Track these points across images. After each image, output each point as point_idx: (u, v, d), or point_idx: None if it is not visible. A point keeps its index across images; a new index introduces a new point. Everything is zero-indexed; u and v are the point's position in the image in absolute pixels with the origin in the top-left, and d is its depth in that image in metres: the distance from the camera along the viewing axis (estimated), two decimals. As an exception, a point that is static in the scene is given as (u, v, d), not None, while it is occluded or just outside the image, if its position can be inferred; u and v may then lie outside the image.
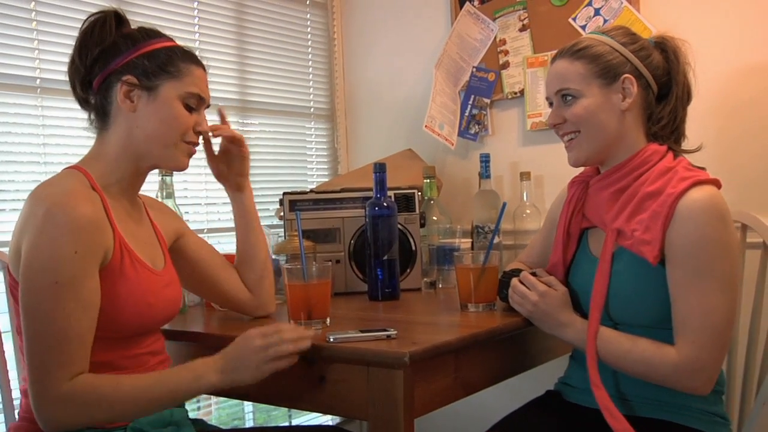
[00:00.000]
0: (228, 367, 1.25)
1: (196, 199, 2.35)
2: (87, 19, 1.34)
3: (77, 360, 1.17)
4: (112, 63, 1.31)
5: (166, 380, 1.23)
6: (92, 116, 1.36)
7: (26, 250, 1.18)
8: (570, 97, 1.40)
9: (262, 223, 2.26)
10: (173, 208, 1.71)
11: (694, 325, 1.27)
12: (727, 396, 1.66)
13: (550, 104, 1.46)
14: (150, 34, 1.36)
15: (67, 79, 1.37)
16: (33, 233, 1.17)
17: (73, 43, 1.35)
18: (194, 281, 1.55)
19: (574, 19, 2.29)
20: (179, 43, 1.40)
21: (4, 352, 1.59)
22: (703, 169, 1.39)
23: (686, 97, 1.43)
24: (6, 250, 1.68)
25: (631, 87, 1.38)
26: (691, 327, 1.27)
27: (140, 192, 1.44)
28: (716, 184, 1.33)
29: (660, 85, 1.41)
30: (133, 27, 1.38)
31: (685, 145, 1.46)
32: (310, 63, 2.81)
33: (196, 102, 1.37)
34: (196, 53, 1.40)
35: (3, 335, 1.61)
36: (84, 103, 1.36)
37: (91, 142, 1.38)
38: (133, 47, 1.32)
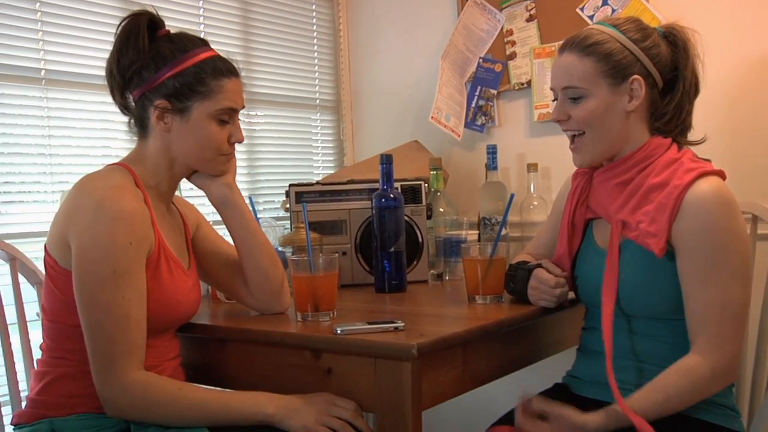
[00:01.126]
0: (290, 406, 1.24)
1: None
2: (121, 23, 1.35)
3: (139, 347, 1.23)
4: (146, 82, 1.34)
5: (227, 399, 1.26)
6: (131, 122, 1.40)
7: (80, 241, 1.22)
8: (576, 96, 1.38)
9: (268, 216, 2.25)
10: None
11: (715, 318, 1.26)
12: (737, 388, 1.66)
13: (555, 95, 1.44)
14: (180, 47, 1.35)
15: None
16: (85, 224, 1.22)
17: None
18: (208, 273, 1.56)
19: (582, 9, 2.27)
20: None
21: (10, 344, 1.59)
22: (708, 160, 1.38)
23: (693, 90, 1.41)
24: (14, 242, 1.70)
25: (639, 89, 1.36)
26: (711, 320, 1.26)
27: None
28: (721, 175, 1.32)
29: (666, 80, 1.39)
30: (167, 29, 1.39)
31: (691, 136, 1.44)
32: (316, 54, 2.80)
33: (229, 115, 1.38)
34: (233, 63, 1.41)
35: (9, 327, 1.61)
36: (124, 108, 1.40)
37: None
38: (163, 67, 1.34)
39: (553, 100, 1.45)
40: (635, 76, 1.35)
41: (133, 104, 1.38)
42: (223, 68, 1.37)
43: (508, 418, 1.44)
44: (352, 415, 1.25)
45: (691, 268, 1.28)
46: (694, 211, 1.27)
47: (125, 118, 1.41)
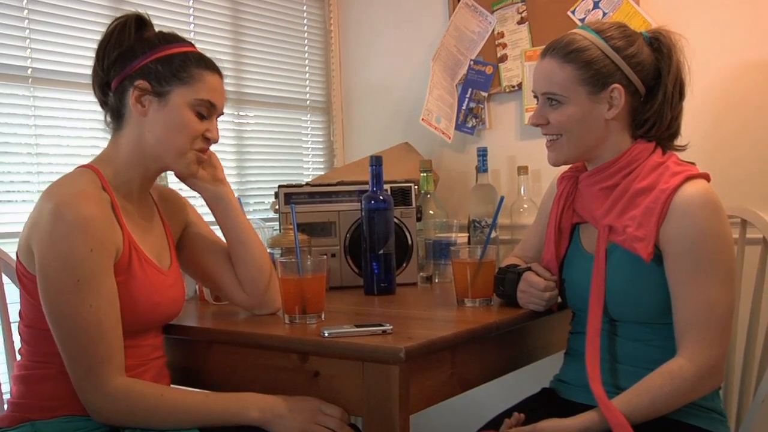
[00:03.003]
0: (275, 411, 1.24)
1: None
2: (112, 22, 1.36)
3: (116, 353, 1.21)
4: (128, 67, 1.33)
5: (212, 403, 1.25)
6: (108, 117, 1.38)
7: (41, 249, 1.21)
8: (555, 102, 1.39)
9: (257, 217, 2.24)
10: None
11: (701, 322, 1.27)
12: (725, 392, 1.66)
13: (536, 97, 1.44)
14: (168, 38, 1.37)
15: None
16: (44, 232, 1.20)
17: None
18: (198, 272, 1.55)
19: (573, 12, 2.27)
20: (187, 46, 1.39)
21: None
22: (692, 164, 1.38)
23: (677, 96, 1.40)
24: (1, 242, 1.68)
25: (618, 97, 1.36)
26: (697, 323, 1.27)
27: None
28: (706, 178, 1.33)
29: (648, 87, 1.39)
30: (154, 29, 1.38)
31: (677, 141, 1.44)
32: (307, 55, 2.79)
33: (207, 109, 1.37)
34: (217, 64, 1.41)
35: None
36: (103, 104, 1.39)
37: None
38: (148, 51, 1.33)
39: (535, 98, 1.45)
40: (615, 85, 1.35)
41: (111, 96, 1.35)
42: (208, 62, 1.38)
43: (495, 423, 1.44)
44: (339, 424, 1.24)
45: (679, 271, 1.29)
46: (681, 215, 1.28)
47: (103, 115, 1.40)
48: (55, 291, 1.19)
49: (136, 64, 1.33)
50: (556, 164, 1.46)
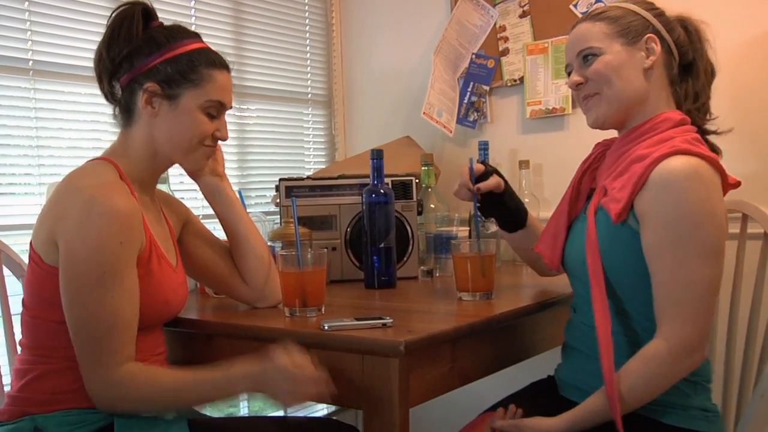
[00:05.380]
0: (257, 387, 1.23)
1: (192, 184, 2.32)
2: (115, 10, 1.35)
3: (126, 346, 1.22)
4: (137, 66, 1.33)
5: (202, 382, 1.24)
6: (117, 111, 1.38)
7: (69, 240, 1.20)
8: (592, 56, 1.37)
9: (258, 210, 2.24)
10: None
11: (677, 300, 1.22)
12: (724, 388, 1.66)
13: (568, 74, 1.43)
14: (174, 35, 1.36)
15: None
16: (75, 224, 1.19)
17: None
18: (196, 269, 1.54)
19: (576, 6, 2.26)
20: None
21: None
22: (717, 152, 1.36)
23: (711, 74, 1.42)
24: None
25: (654, 45, 1.35)
26: (673, 302, 1.22)
27: None
28: (709, 160, 1.26)
29: (682, 56, 1.39)
30: (161, 21, 1.38)
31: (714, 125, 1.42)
32: (308, 48, 2.79)
33: (217, 109, 1.38)
34: (225, 58, 1.41)
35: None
36: (110, 97, 1.38)
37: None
38: (156, 52, 1.33)
39: (568, 75, 1.43)
40: (649, 35, 1.36)
41: (121, 91, 1.35)
42: (216, 60, 1.37)
43: (500, 407, 1.44)
44: (317, 395, 1.22)
45: (656, 245, 1.24)
46: (661, 188, 1.24)
47: (112, 108, 1.40)
48: (79, 281, 1.19)
49: (144, 64, 1.32)
50: (595, 124, 1.40)
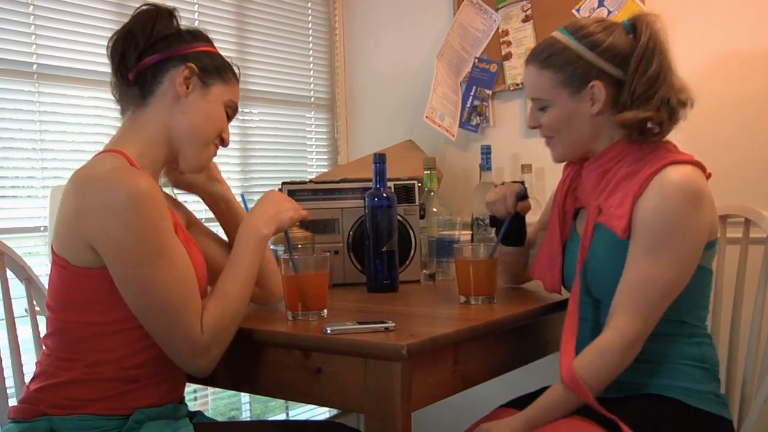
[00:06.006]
0: (266, 215, 1.41)
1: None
2: (144, 5, 1.37)
3: (199, 305, 1.26)
4: (174, 48, 1.35)
5: (242, 257, 1.35)
6: (125, 91, 1.36)
7: (107, 233, 1.18)
8: (542, 106, 1.45)
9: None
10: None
11: (636, 297, 1.30)
12: (727, 391, 1.65)
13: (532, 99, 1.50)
14: (208, 38, 1.42)
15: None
16: (108, 215, 1.18)
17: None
18: (209, 267, 1.53)
19: (578, 11, 2.26)
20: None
21: (-3, 340, 1.58)
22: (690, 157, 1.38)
23: (656, 75, 1.36)
24: (2, 237, 1.68)
25: (599, 93, 1.39)
26: (632, 298, 1.30)
27: None
28: (698, 165, 1.34)
29: (632, 83, 1.38)
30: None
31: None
32: (311, 52, 2.79)
33: (232, 112, 1.43)
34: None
35: (-3, 323, 1.60)
36: (121, 76, 1.35)
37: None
38: (197, 42, 1.38)
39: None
40: (593, 83, 1.39)
41: (142, 70, 1.33)
42: (238, 73, 1.45)
43: (518, 402, 1.47)
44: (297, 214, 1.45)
45: (634, 246, 1.32)
46: (654, 194, 1.31)
47: (117, 113, 1.39)
48: (138, 265, 1.19)
49: (183, 48, 1.35)
50: (557, 161, 1.51)
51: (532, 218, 2.05)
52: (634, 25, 1.41)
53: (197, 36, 1.39)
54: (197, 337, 1.24)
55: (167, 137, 1.35)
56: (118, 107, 1.40)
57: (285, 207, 1.44)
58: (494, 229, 1.68)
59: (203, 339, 1.25)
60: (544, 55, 1.43)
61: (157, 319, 1.23)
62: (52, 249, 1.28)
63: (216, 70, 1.38)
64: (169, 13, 1.38)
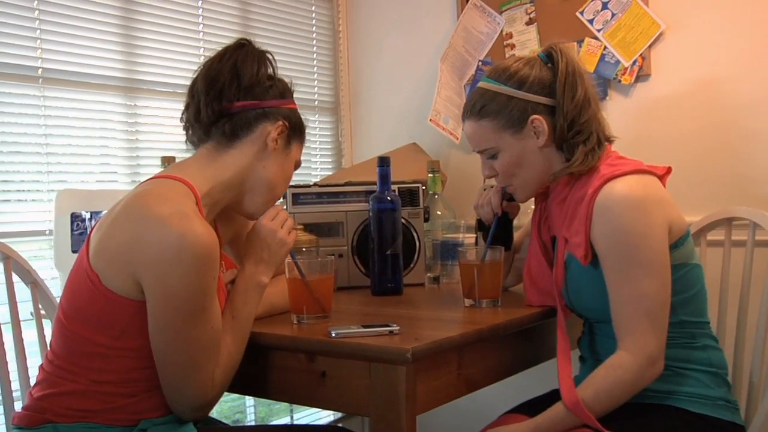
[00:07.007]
0: (262, 261, 1.37)
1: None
2: (243, 40, 1.38)
3: (217, 358, 1.27)
4: (275, 100, 1.38)
5: (242, 309, 1.33)
6: (205, 123, 1.33)
7: (161, 278, 1.16)
8: (491, 155, 1.47)
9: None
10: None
11: (631, 315, 1.31)
12: (734, 395, 1.65)
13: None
14: (291, 91, 1.44)
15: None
16: (168, 263, 1.15)
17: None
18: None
19: (582, 13, 2.26)
20: None
21: (3, 344, 1.58)
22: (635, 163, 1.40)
23: (582, 99, 1.41)
24: (8, 241, 1.69)
25: (540, 125, 1.42)
26: (628, 317, 1.31)
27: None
28: (639, 171, 1.35)
29: (563, 108, 1.42)
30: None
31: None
32: (315, 55, 2.80)
33: (296, 169, 1.46)
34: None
35: (3, 327, 1.60)
36: (212, 109, 1.32)
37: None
38: (286, 98, 1.41)
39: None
40: (533, 117, 1.42)
41: (234, 113, 1.33)
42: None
43: (524, 408, 1.48)
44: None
45: (608, 270, 1.34)
46: (601, 216, 1.33)
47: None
48: (180, 318, 1.19)
49: (278, 102, 1.38)
50: (523, 202, 1.57)
51: (522, 220, 2.07)
52: (550, 55, 1.45)
53: (287, 90, 1.41)
54: (209, 391, 1.26)
55: (240, 183, 1.35)
56: (188, 132, 1.37)
57: (276, 241, 1.38)
58: (480, 233, 1.70)
59: (212, 393, 1.26)
60: (477, 107, 1.45)
61: (176, 369, 1.22)
62: (86, 256, 1.23)
63: (298, 128, 1.41)
64: (272, 60, 1.40)
